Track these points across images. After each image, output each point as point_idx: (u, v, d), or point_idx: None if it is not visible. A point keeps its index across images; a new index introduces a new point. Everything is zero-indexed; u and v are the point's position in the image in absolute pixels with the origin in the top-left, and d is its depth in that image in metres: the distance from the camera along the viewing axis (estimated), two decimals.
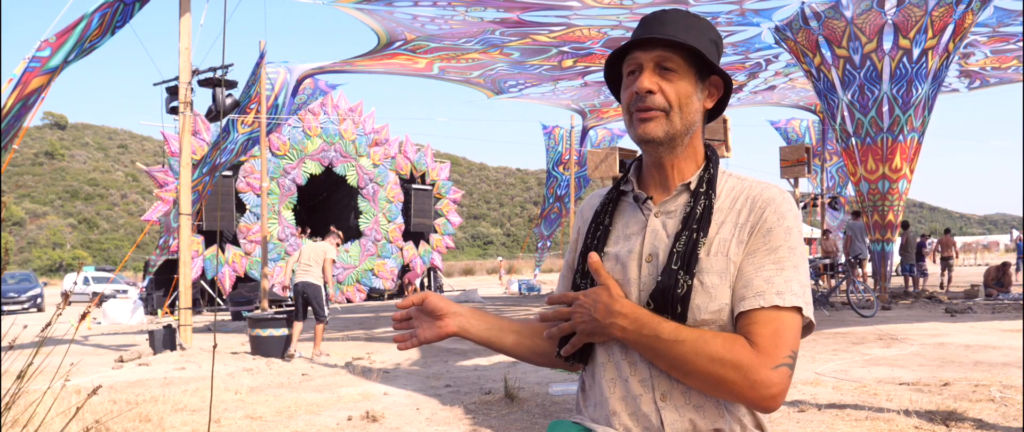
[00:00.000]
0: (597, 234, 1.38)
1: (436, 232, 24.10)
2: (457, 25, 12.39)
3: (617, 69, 1.38)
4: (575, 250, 1.47)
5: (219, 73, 10.31)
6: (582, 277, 1.37)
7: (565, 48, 13.82)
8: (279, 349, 8.41)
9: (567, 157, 22.14)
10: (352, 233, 21.97)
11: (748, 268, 1.25)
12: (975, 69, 15.91)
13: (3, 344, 2.43)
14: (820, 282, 13.79)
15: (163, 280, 17.82)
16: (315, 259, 8.81)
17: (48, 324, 2.13)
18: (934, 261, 17.53)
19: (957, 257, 17.63)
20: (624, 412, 1.30)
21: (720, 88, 1.34)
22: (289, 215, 19.94)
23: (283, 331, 8.50)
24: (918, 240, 17.31)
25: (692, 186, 1.32)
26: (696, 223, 1.26)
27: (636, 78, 1.30)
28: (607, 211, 1.40)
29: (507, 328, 1.45)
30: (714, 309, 1.24)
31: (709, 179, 1.32)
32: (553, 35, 13.05)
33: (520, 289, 22.51)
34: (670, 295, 1.23)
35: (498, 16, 11.95)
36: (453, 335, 1.40)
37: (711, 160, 1.35)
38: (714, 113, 1.38)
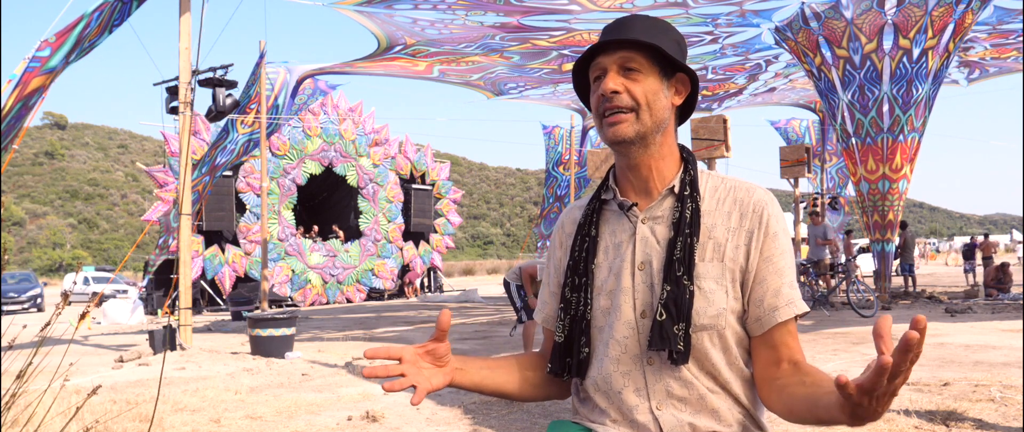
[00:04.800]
0: (584, 246, 1.36)
1: (436, 232, 24.11)
2: (457, 30, 12.39)
3: (585, 79, 1.38)
4: (560, 268, 1.43)
5: (219, 73, 10.30)
6: (572, 291, 1.35)
7: (565, 51, 13.83)
8: (279, 349, 8.39)
9: (567, 157, 22.13)
10: (352, 233, 21.98)
11: (770, 275, 1.25)
12: (974, 59, 15.90)
13: (3, 344, 2.43)
14: (820, 282, 13.78)
15: (163, 280, 17.83)
16: None
17: (48, 324, 2.13)
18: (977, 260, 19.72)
19: (997, 255, 19.08)
20: (622, 420, 1.29)
21: (687, 85, 1.34)
22: (289, 215, 19.95)
23: (283, 331, 8.48)
24: (969, 240, 21.16)
25: (676, 189, 1.31)
26: (688, 228, 1.26)
27: (601, 82, 1.30)
28: (591, 222, 1.38)
29: (496, 366, 1.38)
30: (712, 314, 1.24)
31: (691, 181, 1.31)
32: (553, 40, 13.06)
33: None
34: (682, 303, 1.23)
35: (498, 21, 11.95)
36: (448, 385, 1.29)
37: (689, 161, 1.35)
38: (685, 112, 1.38)
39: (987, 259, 18.89)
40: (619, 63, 1.29)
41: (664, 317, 1.22)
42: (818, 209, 14.49)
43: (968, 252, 20.10)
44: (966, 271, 19.60)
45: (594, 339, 1.33)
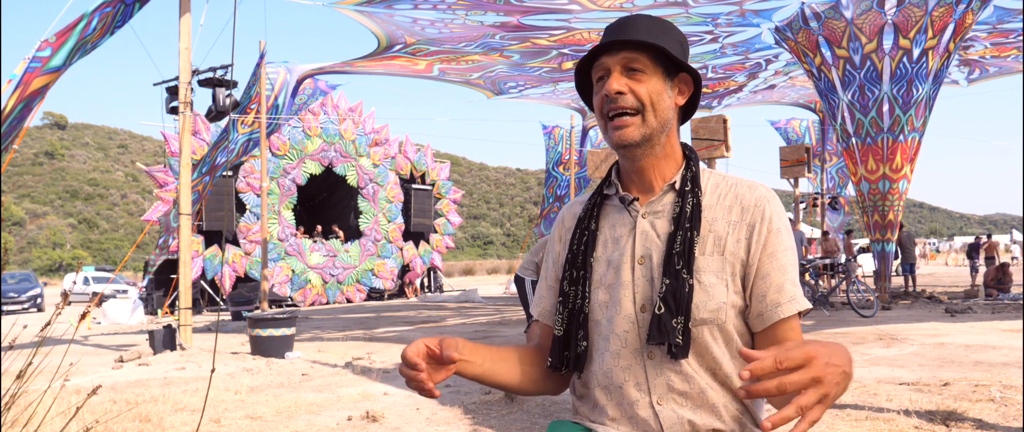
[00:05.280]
0: (584, 239, 1.36)
1: (436, 232, 24.10)
2: (457, 29, 12.39)
3: (588, 78, 1.38)
4: (559, 262, 1.43)
5: (220, 73, 10.31)
6: (570, 284, 1.35)
7: (565, 50, 13.83)
8: (279, 349, 8.39)
9: (567, 157, 22.14)
10: (352, 233, 21.98)
11: (773, 271, 1.25)
12: (974, 58, 15.92)
13: (3, 344, 2.43)
14: (820, 282, 13.79)
15: (163, 280, 17.83)
16: None
17: (48, 324, 2.13)
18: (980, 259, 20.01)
19: (999, 256, 19.32)
20: (622, 417, 1.29)
21: (690, 85, 1.34)
22: (289, 215, 19.95)
23: (283, 331, 8.48)
24: (973, 240, 21.53)
25: (676, 185, 1.32)
26: (688, 222, 1.26)
27: (605, 82, 1.30)
28: (591, 215, 1.38)
29: (499, 359, 1.37)
30: (712, 308, 1.24)
31: (693, 177, 1.32)
32: (553, 38, 13.06)
33: None
34: (681, 297, 1.23)
35: (498, 20, 11.95)
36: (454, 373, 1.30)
37: (691, 158, 1.35)
38: (688, 112, 1.38)
39: (990, 259, 19.06)
40: (623, 64, 1.29)
41: (663, 311, 1.23)
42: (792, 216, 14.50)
43: (971, 251, 20.37)
44: (972, 271, 20.01)
45: (592, 333, 1.34)
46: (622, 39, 1.29)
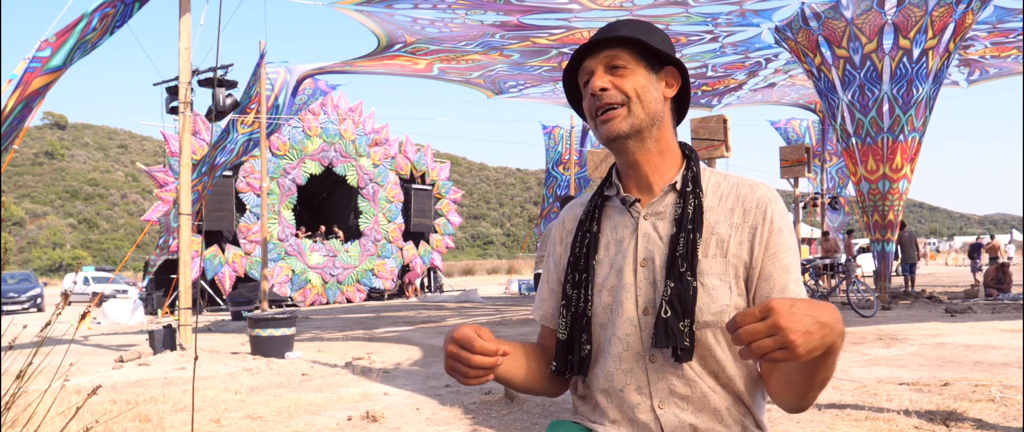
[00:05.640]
0: (585, 241, 1.35)
1: (436, 232, 24.11)
2: (457, 28, 12.40)
3: (578, 91, 1.38)
4: (561, 265, 1.42)
5: (219, 73, 10.31)
6: (573, 287, 1.34)
7: (565, 49, 13.84)
8: (279, 349, 8.40)
9: (567, 157, 22.14)
10: (352, 233, 21.99)
11: (776, 272, 1.25)
12: (974, 57, 15.91)
13: (3, 344, 2.43)
14: (820, 282, 13.79)
15: (163, 280, 17.83)
16: None
17: (48, 324, 2.13)
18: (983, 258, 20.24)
19: (1003, 256, 19.37)
20: (623, 420, 1.29)
21: (677, 77, 1.34)
22: (289, 215, 19.95)
23: (283, 331, 8.48)
24: (974, 241, 22.03)
25: (678, 186, 1.31)
26: (690, 223, 1.25)
27: (590, 84, 1.31)
28: (593, 217, 1.37)
29: (509, 355, 1.33)
30: (715, 310, 1.23)
31: (694, 178, 1.31)
32: (553, 37, 13.07)
33: (520, 289, 22.52)
34: (686, 299, 1.22)
35: (498, 20, 11.95)
36: None
37: (691, 158, 1.35)
38: (681, 107, 1.38)
39: (993, 260, 19.12)
40: (605, 63, 1.30)
41: (669, 314, 1.22)
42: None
43: (973, 252, 20.53)
44: (974, 271, 20.21)
45: (596, 336, 1.33)
46: (599, 39, 1.29)
